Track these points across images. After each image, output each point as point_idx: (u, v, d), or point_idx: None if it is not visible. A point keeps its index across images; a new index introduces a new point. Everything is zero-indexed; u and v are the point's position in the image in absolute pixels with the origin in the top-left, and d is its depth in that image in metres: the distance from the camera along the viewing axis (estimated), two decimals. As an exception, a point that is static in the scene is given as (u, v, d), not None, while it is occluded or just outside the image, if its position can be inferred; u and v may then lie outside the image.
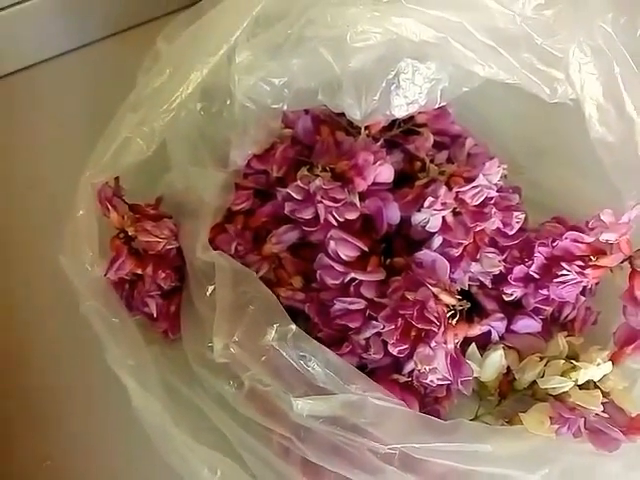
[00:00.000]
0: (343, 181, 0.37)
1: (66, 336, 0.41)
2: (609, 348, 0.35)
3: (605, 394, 0.33)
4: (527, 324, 0.36)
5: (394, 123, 0.41)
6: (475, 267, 0.36)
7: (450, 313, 0.33)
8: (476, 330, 0.35)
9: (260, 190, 0.41)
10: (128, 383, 0.34)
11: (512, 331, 0.36)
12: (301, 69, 0.35)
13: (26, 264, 0.44)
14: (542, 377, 0.34)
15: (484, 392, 0.36)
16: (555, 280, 0.35)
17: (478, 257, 0.36)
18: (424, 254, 0.35)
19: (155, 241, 0.37)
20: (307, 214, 0.37)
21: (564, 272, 0.34)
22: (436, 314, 0.32)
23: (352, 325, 0.35)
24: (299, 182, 0.37)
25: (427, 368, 0.32)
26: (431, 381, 0.32)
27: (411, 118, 0.41)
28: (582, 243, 0.34)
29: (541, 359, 0.34)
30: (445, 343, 0.32)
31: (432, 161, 0.40)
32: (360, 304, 0.35)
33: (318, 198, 0.36)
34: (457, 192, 0.36)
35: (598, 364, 0.33)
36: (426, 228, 0.37)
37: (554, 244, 0.35)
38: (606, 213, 0.33)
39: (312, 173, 0.37)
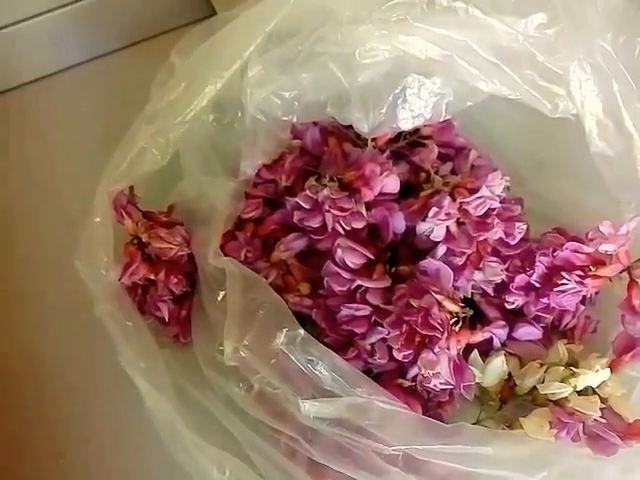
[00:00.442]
0: (350, 191, 0.38)
1: (80, 339, 0.42)
2: (608, 356, 0.36)
3: (603, 400, 0.34)
4: (528, 331, 0.37)
5: (400, 135, 0.42)
6: (478, 276, 0.37)
7: (453, 320, 0.34)
8: (478, 337, 0.36)
9: (269, 199, 0.42)
10: (140, 384, 0.35)
11: (513, 338, 0.37)
12: (311, 83, 0.37)
13: (42, 270, 0.45)
14: (542, 383, 0.35)
15: (486, 397, 0.37)
16: (555, 289, 0.35)
17: (481, 266, 0.37)
18: (428, 262, 0.36)
19: (168, 247, 0.39)
20: (315, 223, 0.38)
21: (564, 281, 0.35)
22: (440, 321, 0.33)
23: (358, 331, 0.36)
24: (307, 192, 0.38)
25: (430, 373, 0.33)
26: (434, 385, 0.33)
27: (417, 131, 0.42)
28: (582, 253, 0.35)
29: (541, 365, 0.35)
30: (448, 349, 0.33)
31: (437, 172, 0.41)
32: (366, 310, 0.36)
33: (326, 207, 0.37)
34: (461, 203, 0.37)
35: (597, 371, 0.34)
36: (430, 237, 0.38)
37: (555, 254, 0.36)
38: (605, 225, 0.35)
39: (320, 183, 0.39)
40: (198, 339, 0.38)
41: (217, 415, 0.35)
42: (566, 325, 0.38)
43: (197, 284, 0.39)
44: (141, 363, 0.36)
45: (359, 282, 0.37)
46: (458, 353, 0.34)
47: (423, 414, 0.34)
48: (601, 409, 0.33)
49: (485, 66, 0.33)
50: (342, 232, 0.38)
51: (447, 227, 0.37)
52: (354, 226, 0.38)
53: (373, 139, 0.41)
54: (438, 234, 0.37)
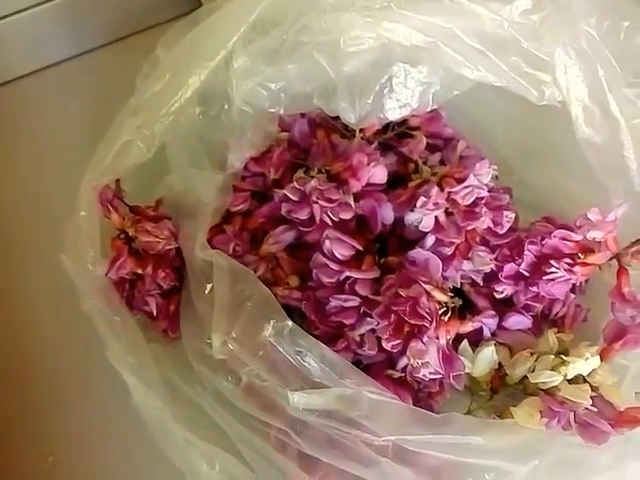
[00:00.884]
0: (338, 182, 0.38)
1: (67, 335, 0.41)
2: (599, 344, 0.36)
3: (594, 388, 0.34)
4: (518, 321, 0.37)
5: (388, 126, 0.42)
6: (467, 265, 0.37)
7: (442, 310, 0.34)
8: (468, 327, 0.36)
9: (257, 192, 0.42)
10: (129, 380, 0.35)
11: (503, 328, 0.37)
12: (297, 74, 0.36)
13: (27, 265, 0.45)
14: (532, 372, 0.35)
15: (476, 387, 0.36)
16: (544, 277, 0.35)
17: (470, 256, 0.37)
18: (417, 253, 0.36)
19: (155, 241, 0.38)
20: (303, 214, 0.38)
21: (553, 270, 0.35)
22: (428, 310, 0.32)
23: (347, 322, 0.36)
24: (295, 183, 0.38)
25: (419, 362, 0.32)
26: (423, 375, 0.33)
27: (405, 121, 0.42)
28: (570, 241, 0.35)
29: (532, 355, 0.35)
30: (437, 338, 0.33)
31: (425, 163, 0.41)
32: (355, 301, 0.36)
33: (313, 199, 0.37)
34: (449, 192, 0.37)
35: (587, 359, 0.34)
36: (419, 228, 0.37)
37: (543, 242, 0.36)
38: (593, 212, 0.34)
39: (308, 175, 0.38)
40: (187, 333, 0.37)
41: (207, 409, 0.35)
42: (556, 314, 0.38)
43: (185, 278, 0.39)
44: (129, 358, 0.35)
45: (348, 273, 0.36)
46: (447, 343, 0.34)
47: (413, 405, 0.34)
48: (592, 397, 0.33)
49: (470, 53, 0.33)
50: (330, 223, 0.37)
51: (436, 217, 0.37)
52: (342, 217, 0.37)
53: (361, 130, 0.40)
54: (427, 224, 0.37)
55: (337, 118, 0.39)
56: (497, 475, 0.31)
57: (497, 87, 0.35)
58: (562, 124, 0.36)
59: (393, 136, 0.42)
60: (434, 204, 0.36)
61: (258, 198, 0.42)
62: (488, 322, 0.37)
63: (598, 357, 0.34)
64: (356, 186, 0.37)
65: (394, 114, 0.37)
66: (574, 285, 0.37)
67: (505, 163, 0.42)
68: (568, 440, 0.33)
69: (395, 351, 0.34)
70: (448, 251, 0.37)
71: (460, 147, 0.42)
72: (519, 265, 0.36)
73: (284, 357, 0.32)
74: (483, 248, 0.37)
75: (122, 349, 0.35)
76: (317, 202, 0.37)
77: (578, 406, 0.33)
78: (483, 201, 0.37)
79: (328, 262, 0.37)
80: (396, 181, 0.40)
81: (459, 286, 0.37)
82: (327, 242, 0.37)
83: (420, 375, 0.33)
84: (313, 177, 0.38)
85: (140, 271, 0.38)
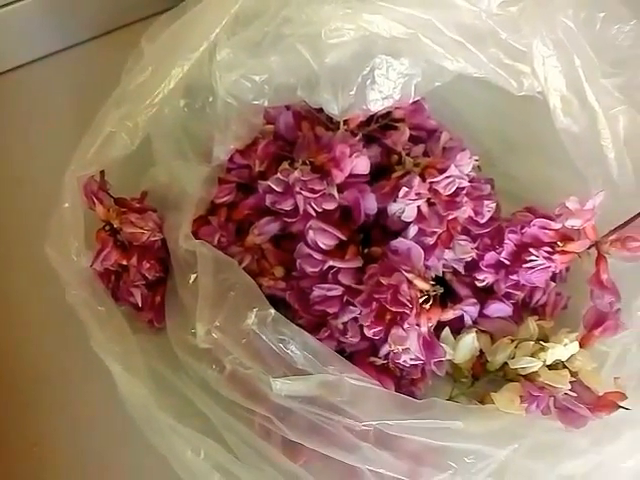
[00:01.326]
0: (322, 173, 0.38)
1: (52, 326, 0.42)
2: (579, 331, 0.36)
3: (573, 374, 0.35)
4: (499, 308, 0.38)
5: (372, 118, 0.42)
6: (449, 254, 0.37)
7: (424, 298, 0.34)
8: (450, 314, 0.36)
9: (243, 184, 0.42)
10: (114, 368, 0.35)
11: (484, 315, 0.38)
12: (280, 66, 0.37)
13: (12, 256, 0.45)
14: (513, 358, 0.35)
15: (458, 374, 0.37)
16: (524, 266, 0.36)
17: (451, 245, 0.37)
18: (399, 242, 0.37)
19: (140, 232, 0.38)
20: (287, 205, 0.38)
21: (533, 258, 0.36)
22: (409, 297, 0.33)
23: (330, 310, 0.36)
24: (279, 175, 0.38)
25: (400, 348, 0.33)
26: (404, 361, 0.34)
27: (388, 113, 0.42)
28: (550, 230, 0.36)
29: (512, 341, 0.36)
30: (418, 325, 0.33)
31: (409, 155, 0.41)
32: (338, 290, 0.36)
33: (297, 189, 0.37)
34: (430, 183, 0.37)
35: (565, 345, 0.34)
36: (402, 218, 0.38)
37: (523, 231, 0.36)
38: (571, 200, 0.35)
39: (293, 167, 0.39)
40: (172, 323, 0.38)
41: (191, 398, 0.36)
42: (537, 302, 0.38)
43: (170, 269, 0.39)
44: (114, 347, 0.36)
45: (331, 263, 0.37)
46: (429, 330, 0.34)
47: (396, 391, 0.34)
48: (571, 382, 0.34)
49: (450, 45, 0.33)
50: (314, 214, 0.38)
51: (418, 207, 0.37)
52: (326, 208, 0.38)
53: (345, 122, 0.41)
54: (409, 214, 0.38)
55: (321, 110, 0.39)
56: (477, 458, 0.31)
57: (479, 79, 0.36)
58: (544, 115, 0.37)
59: (377, 128, 0.42)
60: (416, 194, 0.37)
61: (243, 190, 0.42)
62: (469, 310, 0.37)
63: (576, 343, 0.35)
64: (339, 177, 0.38)
65: (377, 105, 0.37)
66: (554, 273, 0.38)
67: (488, 154, 0.43)
68: (547, 424, 0.33)
69: (377, 338, 0.34)
70: (430, 240, 0.37)
71: (443, 139, 0.42)
72: (500, 254, 0.37)
73: (267, 345, 0.33)
74: (464, 237, 0.37)
75: (107, 338, 0.36)
76: (301, 193, 0.37)
77: (557, 391, 0.34)
78: (464, 191, 0.37)
79: (312, 252, 0.37)
80: (380, 172, 0.41)
81: (441, 275, 0.38)
82: (311, 232, 0.37)
83: (401, 361, 0.34)
84: (297, 168, 0.38)
85: (125, 262, 0.39)
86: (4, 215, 0.47)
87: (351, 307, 0.35)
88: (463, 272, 0.38)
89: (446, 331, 0.36)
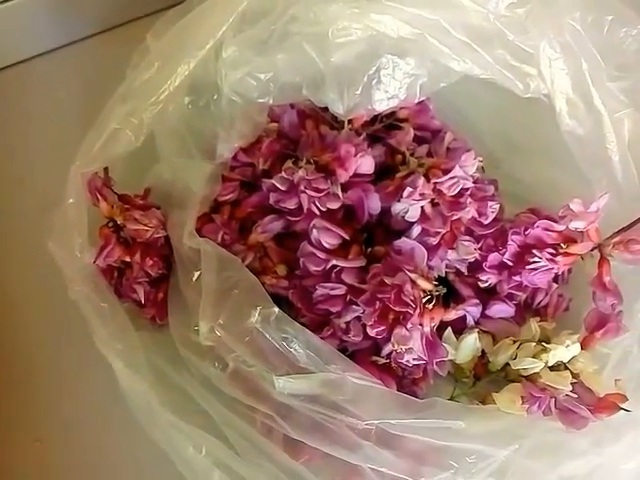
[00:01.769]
0: (326, 172, 0.38)
1: (55, 321, 0.42)
2: (580, 333, 0.37)
3: (575, 375, 0.35)
4: (501, 309, 0.38)
5: (376, 118, 0.42)
6: (452, 255, 0.37)
7: (427, 298, 0.35)
8: (452, 315, 0.36)
9: (246, 182, 0.42)
10: (116, 365, 0.35)
11: (487, 316, 0.38)
12: (286, 64, 0.37)
13: (15, 252, 0.45)
14: (514, 359, 0.35)
15: (460, 374, 0.37)
16: (527, 267, 0.36)
17: (455, 245, 0.37)
18: (403, 242, 0.37)
19: (143, 229, 0.38)
20: (291, 204, 0.38)
21: (536, 259, 0.36)
22: (412, 297, 0.33)
23: (333, 309, 0.36)
24: (283, 173, 0.38)
25: (403, 348, 0.33)
26: (407, 361, 0.34)
27: (393, 113, 0.42)
28: (553, 231, 0.36)
29: (514, 342, 0.36)
30: (421, 325, 0.33)
31: (413, 155, 0.41)
32: (341, 290, 0.36)
33: (301, 188, 0.37)
34: (435, 183, 0.37)
35: (567, 346, 0.34)
36: (406, 218, 0.38)
37: (526, 232, 0.36)
38: (575, 202, 0.35)
39: (297, 166, 0.39)
40: (174, 320, 0.38)
41: (194, 395, 0.36)
42: (539, 303, 0.38)
43: (173, 267, 0.39)
44: (116, 344, 0.36)
45: (334, 262, 0.37)
46: (431, 330, 0.34)
47: (398, 391, 0.35)
48: (572, 384, 0.34)
49: (457, 45, 0.34)
50: (318, 213, 0.38)
51: (422, 207, 0.37)
52: (329, 207, 0.38)
53: (350, 121, 0.41)
54: (413, 214, 0.38)
55: (326, 109, 0.39)
56: (478, 458, 0.31)
57: (484, 80, 0.36)
58: (548, 117, 0.37)
59: (381, 127, 0.43)
60: (420, 195, 0.37)
61: (247, 188, 0.42)
62: (472, 310, 0.37)
63: (578, 345, 0.35)
64: (344, 176, 0.38)
65: (382, 105, 0.37)
66: (557, 275, 0.38)
67: (492, 155, 0.43)
68: (548, 425, 0.34)
69: (380, 338, 0.34)
70: (433, 241, 0.37)
71: (447, 139, 0.43)
72: (503, 255, 0.37)
73: (270, 343, 0.33)
74: (468, 238, 0.37)
75: (109, 335, 0.36)
76: (305, 192, 0.37)
77: (559, 392, 0.34)
78: (468, 192, 0.37)
79: (315, 251, 0.37)
80: (384, 172, 0.41)
81: (444, 275, 0.38)
82: (314, 231, 0.37)
83: (404, 361, 0.34)
84: (301, 167, 0.38)
85: (128, 259, 0.39)
86: (6, 211, 0.47)
87: (354, 306, 0.35)
88: (466, 272, 0.38)
89: (448, 331, 0.36)
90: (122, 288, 0.40)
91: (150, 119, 0.37)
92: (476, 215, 0.37)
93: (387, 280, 0.34)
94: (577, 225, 0.35)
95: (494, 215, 0.38)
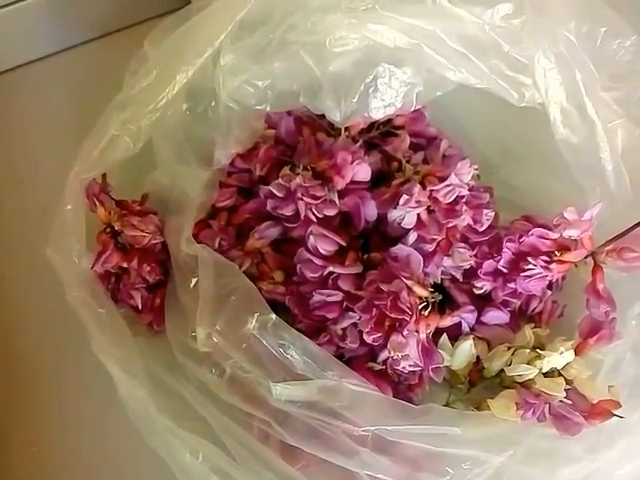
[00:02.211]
0: (323, 179, 0.38)
1: (53, 327, 0.42)
2: (574, 339, 0.37)
3: (568, 382, 0.35)
4: (496, 316, 0.38)
5: (373, 125, 0.42)
6: (447, 262, 0.38)
7: (423, 305, 0.35)
8: (447, 321, 0.37)
9: (243, 188, 0.42)
10: (113, 371, 0.35)
11: (482, 322, 0.38)
12: (283, 72, 0.37)
13: (14, 257, 0.45)
14: (509, 365, 0.36)
15: (455, 380, 0.37)
16: (522, 274, 0.36)
17: (450, 252, 0.38)
18: (399, 249, 0.37)
19: (141, 235, 0.39)
20: (288, 211, 0.38)
21: (530, 266, 0.36)
22: (408, 304, 0.33)
23: (330, 316, 0.36)
24: (280, 180, 0.39)
25: (399, 355, 0.33)
26: (403, 367, 0.34)
27: (389, 120, 0.43)
28: (547, 239, 0.36)
29: (509, 349, 0.36)
30: (417, 332, 0.34)
31: (409, 162, 0.42)
32: (338, 296, 0.36)
33: (298, 195, 0.38)
34: (431, 191, 0.37)
35: (561, 353, 0.35)
36: (402, 225, 0.38)
37: (521, 240, 0.37)
38: (569, 211, 0.35)
39: (294, 172, 0.39)
40: (171, 326, 0.38)
41: (190, 401, 0.36)
42: (533, 309, 0.39)
43: (170, 273, 0.39)
44: (114, 350, 0.36)
45: (331, 268, 0.37)
46: (427, 336, 0.35)
47: (394, 397, 0.35)
48: (566, 390, 0.34)
49: (453, 55, 0.34)
50: (315, 220, 0.38)
51: (418, 215, 0.38)
52: (326, 214, 0.38)
53: (346, 128, 0.41)
54: (409, 221, 0.38)
55: (323, 116, 0.39)
56: (473, 464, 0.32)
57: (480, 89, 0.36)
58: (543, 125, 0.37)
59: (378, 135, 0.43)
60: (416, 202, 0.37)
61: (244, 194, 0.42)
62: (467, 317, 0.38)
63: (572, 351, 0.35)
64: (340, 183, 0.38)
65: (378, 113, 0.38)
66: (551, 282, 0.38)
67: (487, 162, 0.43)
68: (542, 431, 0.34)
69: (376, 344, 0.35)
70: (429, 248, 0.37)
71: (443, 146, 0.43)
72: (498, 262, 0.37)
73: (267, 350, 0.33)
74: (463, 245, 0.38)
75: (107, 341, 0.36)
76: (302, 199, 0.38)
77: (553, 398, 0.34)
78: (464, 199, 0.37)
79: (312, 257, 0.38)
80: (380, 179, 0.41)
81: (439, 282, 0.38)
82: (311, 238, 0.38)
83: (400, 367, 0.34)
84: (298, 174, 0.38)
85: (125, 265, 0.39)
86: (3, 216, 0.47)
87: (351, 313, 0.36)
88: (461, 279, 0.38)
89: (444, 338, 0.37)
90: (119, 294, 0.40)
91: (148, 126, 0.37)
92: (471, 222, 0.38)
93: (383, 287, 0.34)
94: (571, 233, 0.35)
95: (489, 222, 0.38)
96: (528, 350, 0.36)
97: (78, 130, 0.39)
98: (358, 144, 0.41)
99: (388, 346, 0.34)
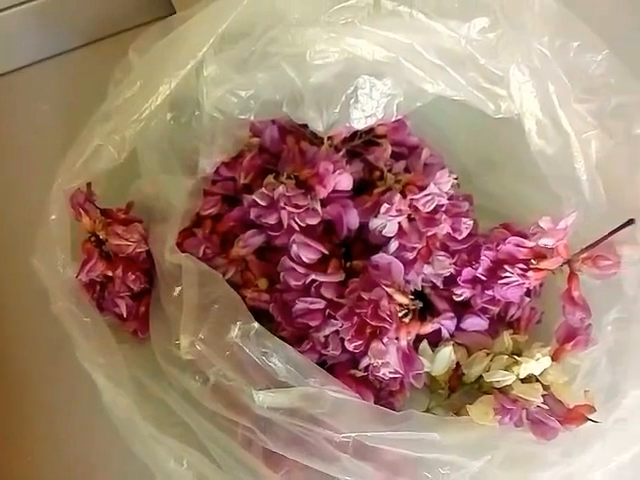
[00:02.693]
0: (306, 188, 0.39)
1: (41, 336, 0.42)
2: (551, 345, 0.38)
3: (545, 387, 0.36)
4: (475, 322, 0.39)
5: (355, 134, 0.43)
6: (428, 269, 0.38)
7: (403, 312, 0.36)
8: (428, 328, 0.37)
9: (228, 196, 0.43)
10: (98, 380, 0.35)
11: (461, 329, 0.39)
12: (266, 83, 0.38)
13: (0, 267, 0.45)
14: (488, 371, 0.36)
15: (435, 386, 0.38)
16: (500, 282, 0.37)
17: (430, 260, 0.38)
18: (380, 257, 0.38)
19: (125, 244, 0.39)
20: (271, 219, 0.39)
21: (507, 274, 0.37)
22: (389, 312, 0.34)
23: (312, 323, 0.37)
24: (264, 189, 0.39)
25: (380, 362, 0.34)
26: (384, 374, 0.35)
27: (371, 130, 0.43)
28: (524, 247, 0.37)
29: (487, 355, 0.37)
30: (397, 339, 0.34)
31: (390, 170, 0.42)
32: (320, 304, 0.37)
33: (281, 204, 0.38)
34: (411, 199, 0.38)
35: (538, 359, 0.35)
36: (383, 233, 0.39)
37: (499, 248, 0.37)
38: (545, 220, 0.36)
39: (278, 180, 0.39)
40: (156, 334, 0.38)
41: (175, 408, 0.36)
42: (511, 316, 0.39)
43: (155, 281, 0.40)
44: (99, 358, 0.36)
45: (314, 276, 0.38)
46: (408, 343, 0.35)
47: (375, 403, 0.36)
48: (543, 396, 0.35)
49: (430, 68, 0.35)
50: (297, 228, 0.39)
51: (399, 223, 0.38)
52: (309, 222, 0.39)
53: (329, 138, 0.42)
54: (390, 230, 0.39)
55: (306, 125, 0.40)
56: (452, 469, 0.32)
57: (458, 99, 0.37)
58: (521, 135, 0.38)
59: (360, 144, 0.43)
60: (397, 211, 0.38)
61: (228, 202, 0.43)
62: (447, 324, 0.38)
63: (548, 358, 0.36)
64: (323, 192, 0.39)
65: (360, 123, 0.38)
66: (528, 289, 0.39)
67: (467, 171, 0.44)
68: (520, 436, 0.35)
69: (357, 351, 0.35)
70: (410, 256, 0.38)
71: (424, 155, 0.44)
72: (476, 270, 0.38)
73: (250, 357, 0.33)
74: (443, 253, 0.38)
75: (92, 349, 0.36)
76: (285, 208, 0.38)
77: (530, 404, 0.35)
78: (443, 208, 0.38)
79: (295, 265, 0.38)
80: (362, 187, 0.42)
81: (420, 289, 0.39)
82: (294, 246, 0.38)
83: (381, 374, 0.35)
84: (282, 183, 0.39)
85: (110, 273, 0.39)
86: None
87: (333, 320, 0.36)
88: (441, 287, 0.39)
89: (424, 344, 0.37)
90: (104, 302, 0.40)
91: (132, 136, 0.38)
92: (451, 231, 0.38)
93: (364, 295, 0.35)
94: (546, 242, 0.36)
95: (468, 231, 0.39)
96: (506, 356, 0.36)
97: (64, 138, 0.39)
98: (341, 153, 0.41)
99: (369, 353, 0.34)
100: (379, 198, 0.39)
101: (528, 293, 0.39)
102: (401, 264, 0.37)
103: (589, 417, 0.34)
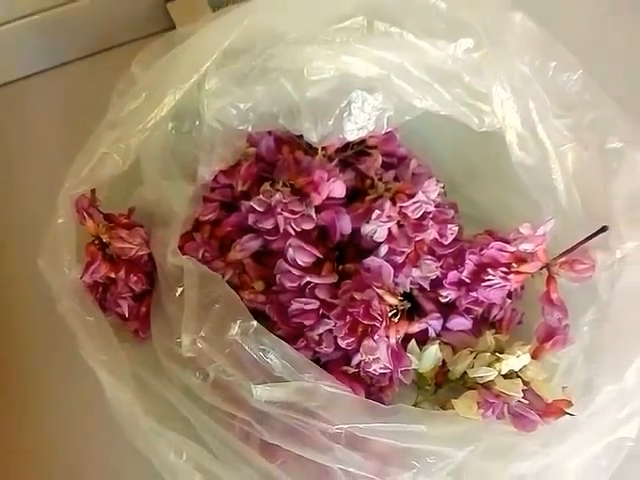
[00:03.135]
0: (301, 195, 0.41)
1: (45, 335, 0.43)
2: (532, 344, 0.40)
3: (526, 383, 0.38)
4: (460, 322, 0.41)
5: (348, 145, 0.45)
6: (416, 272, 0.40)
7: (393, 312, 0.38)
8: (416, 327, 0.39)
9: (226, 202, 0.45)
10: (102, 376, 0.37)
11: (447, 329, 0.41)
12: (264, 96, 0.39)
13: (7, 268, 0.46)
14: (472, 368, 0.38)
15: (422, 382, 0.40)
16: (483, 284, 0.39)
17: (418, 264, 0.40)
18: (371, 260, 0.40)
19: (128, 247, 0.41)
20: (268, 224, 0.41)
21: (490, 277, 0.39)
22: (379, 312, 0.36)
23: (307, 323, 0.39)
24: (261, 196, 0.41)
25: (371, 358, 0.36)
26: (374, 370, 0.37)
27: (363, 141, 0.45)
28: (506, 252, 0.39)
29: (471, 353, 0.39)
30: (387, 337, 0.36)
31: (381, 179, 0.44)
32: (314, 304, 0.39)
33: (278, 210, 0.40)
34: (400, 207, 0.40)
35: (518, 356, 0.38)
36: (374, 238, 0.41)
37: (482, 253, 0.40)
38: (525, 226, 0.39)
39: (273, 188, 0.41)
40: (157, 333, 0.40)
41: (175, 403, 0.37)
42: (494, 317, 0.41)
43: (156, 282, 0.41)
44: (102, 356, 0.37)
45: (308, 279, 0.40)
46: (397, 341, 0.37)
47: (366, 398, 0.37)
48: (523, 391, 0.37)
49: (419, 85, 0.37)
50: (293, 233, 0.40)
51: (389, 229, 0.41)
52: (304, 227, 0.41)
53: (323, 148, 0.44)
54: (380, 235, 0.41)
55: (301, 136, 0.42)
56: (438, 459, 0.34)
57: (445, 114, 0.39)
58: (503, 147, 0.40)
59: (352, 154, 0.45)
60: (387, 217, 0.40)
61: (226, 208, 0.44)
62: (433, 323, 0.40)
63: (528, 355, 0.38)
64: (317, 199, 0.41)
65: (352, 135, 0.40)
66: (510, 291, 0.41)
67: (452, 181, 0.46)
68: (501, 428, 0.36)
69: (350, 349, 0.37)
70: (399, 259, 0.40)
71: (412, 165, 0.46)
72: (461, 273, 0.40)
73: (249, 354, 0.35)
74: (430, 257, 0.40)
75: (95, 347, 0.37)
76: (281, 213, 0.40)
77: (511, 398, 0.37)
78: (430, 215, 0.40)
79: (291, 268, 0.40)
80: (354, 195, 0.44)
81: (408, 291, 0.41)
82: (290, 250, 0.40)
83: (372, 370, 0.37)
84: (278, 190, 0.41)
85: (113, 275, 0.41)
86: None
87: (326, 320, 0.38)
88: (428, 289, 0.41)
89: (412, 343, 0.39)
90: (107, 303, 0.42)
91: (137, 145, 0.39)
92: (437, 236, 0.41)
93: (357, 296, 0.37)
94: (526, 247, 0.38)
95: (453, 236, 0.41)
96: (489, 354, 0.38)
97: (65, 147, 0.40)
98: (334, 163, 0.43)
99: (360, 350, 0.36)
100: (370, 205, 0.41)
101: (510, 295, 0.41)
102: (391, 267, 0.39)
103: (567, 411, 0.36)
